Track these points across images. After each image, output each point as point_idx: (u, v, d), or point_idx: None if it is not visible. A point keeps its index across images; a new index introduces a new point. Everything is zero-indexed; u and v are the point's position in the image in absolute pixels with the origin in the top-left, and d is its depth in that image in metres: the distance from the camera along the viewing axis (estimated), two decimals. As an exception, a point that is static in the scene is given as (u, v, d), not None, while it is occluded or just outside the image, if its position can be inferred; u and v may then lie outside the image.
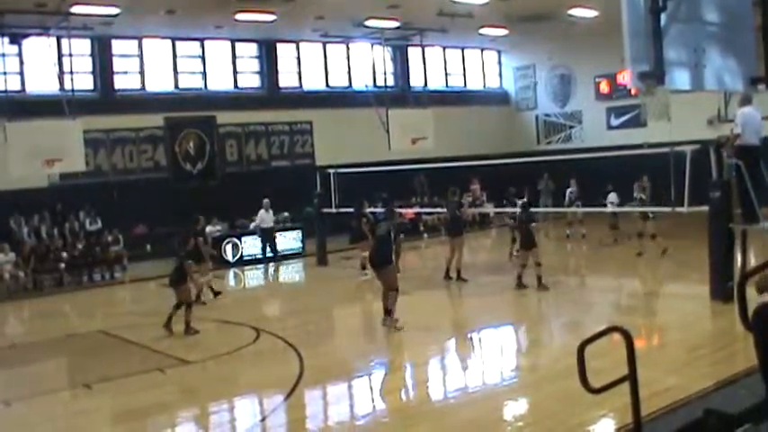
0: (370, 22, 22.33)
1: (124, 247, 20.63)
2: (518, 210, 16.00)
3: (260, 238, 21.52)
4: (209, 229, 19.73)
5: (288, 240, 22.43)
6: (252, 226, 21.72)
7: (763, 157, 11.45)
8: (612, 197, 19.43)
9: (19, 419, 8.85)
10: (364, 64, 26.25)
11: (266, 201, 21.27)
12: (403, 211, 24.68)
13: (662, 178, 19.50)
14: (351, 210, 18.75)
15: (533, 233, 14.61)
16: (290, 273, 20.90)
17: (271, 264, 21.20)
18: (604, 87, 28.13)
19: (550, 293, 14.19)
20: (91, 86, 22.31)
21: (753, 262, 12.79)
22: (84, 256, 20.04)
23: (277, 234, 21.78)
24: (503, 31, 25.67)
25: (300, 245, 22.53)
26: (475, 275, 16.54)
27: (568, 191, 21.43)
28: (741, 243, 11.97)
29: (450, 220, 17.26)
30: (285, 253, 21.99)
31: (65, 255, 19.64)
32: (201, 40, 24.03)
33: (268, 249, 21.42)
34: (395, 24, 22.83)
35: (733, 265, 12.01)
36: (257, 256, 21.58)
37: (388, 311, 12.13)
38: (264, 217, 21.23)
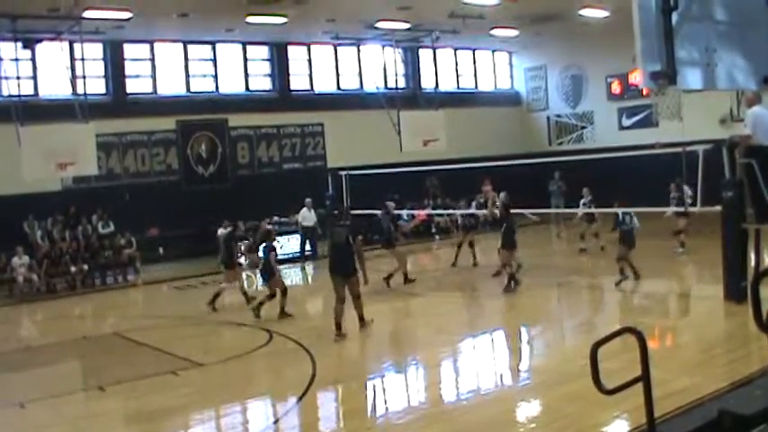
0: (381, 24, 22.30)
1: (137, 250, 20.71)
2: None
3: (300, 236, 21.76)
4: (220, 231, 19.76)
5: (301, 242, 22.41)
6: (298, 221, 21.82)
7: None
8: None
9: (33, 421, 8.89)
10: (375, 66, 26.23)
11: (308, 200, 21.53)
12: (415, 212, 24.67)
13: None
14: (370, 212, 18.49)
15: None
16: (302, 275, 20.89)
17: (308, 262, 21.41)
18: (616, 87, 28.02)
19: (563, 294, 14.13)
20: (103, 90, 22.42)
21: (766, 262, 12.73)
22: (97, 258, 20.14)
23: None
24: (514, 32, 25.60)
25: (311, 247, 22.51)
26: (487, 277, 16.52)
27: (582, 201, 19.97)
28: (755, 243, 11.90)
29: (386, 233, 16.84)
30: (298, 255, 22.02)
31: (78, 258, 19.73)
32: (213, 44, 24.10)
33: (308, 247, 21.71)
34: (406, 26, 22.82)
35: (747, 265, 11.93)
36: (294, 256, 21.71)
37: (361, 318, 12.27)
38: (307, 215, 21.37)
